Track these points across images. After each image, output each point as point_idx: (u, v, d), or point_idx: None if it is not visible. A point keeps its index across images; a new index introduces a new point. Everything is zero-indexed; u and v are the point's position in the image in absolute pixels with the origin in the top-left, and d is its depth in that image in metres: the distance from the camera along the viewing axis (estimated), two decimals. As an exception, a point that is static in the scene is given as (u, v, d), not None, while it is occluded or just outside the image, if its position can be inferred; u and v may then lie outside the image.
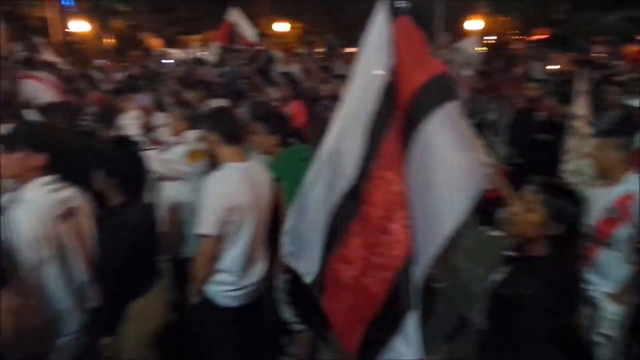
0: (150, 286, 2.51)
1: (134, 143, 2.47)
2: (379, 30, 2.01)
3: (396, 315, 1.95)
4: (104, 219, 2.41)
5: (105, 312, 2.37)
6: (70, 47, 15.21)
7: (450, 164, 1.86)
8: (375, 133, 2.01)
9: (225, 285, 2.57)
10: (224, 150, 2.49)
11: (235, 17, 8.28)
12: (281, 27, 16.77)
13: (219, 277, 2.55)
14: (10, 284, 1.83)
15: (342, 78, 5.30)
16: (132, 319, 2.42)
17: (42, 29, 15.31)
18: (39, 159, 2.19)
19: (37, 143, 2.23)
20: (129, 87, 5.06)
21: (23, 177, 2.22)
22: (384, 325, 2.00)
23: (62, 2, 16.69)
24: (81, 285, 2.34)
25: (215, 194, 2.40)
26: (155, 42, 17.57)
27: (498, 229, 5.35)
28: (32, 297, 2.03)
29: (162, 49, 15.16)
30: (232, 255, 2.52)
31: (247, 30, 8.31)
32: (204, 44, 13.15)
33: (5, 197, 2.87)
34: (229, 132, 2.48)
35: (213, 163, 2.81)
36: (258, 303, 2.75)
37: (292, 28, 17.66)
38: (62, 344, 2.27)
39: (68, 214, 2.27)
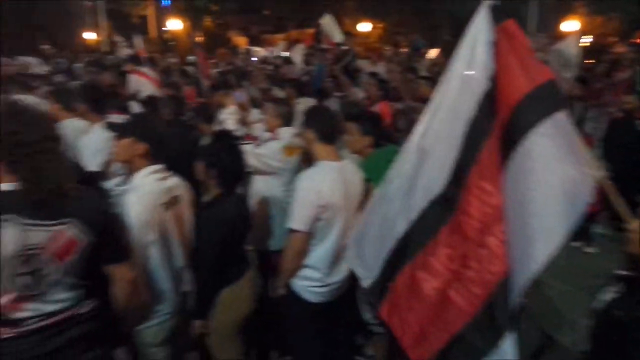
0: (240, 275, 2.62)
1: (235, 137, 2.57)
2: (478, 32, 1.91)
3: (489, 334, 1.85)
4: (202, 208, 2.54)
5: (198, 296, 2.51)
6: (166, 43, 16.21)
7: (554, 179, 1.73)
8: (473, 140, 1.90)
9: (311, 281, 2.61)
10: (319, 148, 2.52)
11: (327, 20, 8.45)
12: (364, 27, 16.74)
13: (306, 272, 2.60)
14: (129, 258, 1.99)
15: (429, 79, 5.21)
16: (222, 305, 2.53)
17: (142, 27, 16.52)
18: (143, 147, 2.35)
19: (142, 132, 2.39)
20: (223, 83, 5.30)
21: (131, 164, 2.39)
22: (473, 343, 1.91)
23: (162, 2, 17.84)
24: (178, 270, 2.49)
25: (309, 190, 2.44)
26: (241, 40, 18.27)
27: (594, 246, 5.02)
28: (141, 275, 2.18)
29: (247, 47, 15.69)
30: (320, 252, 2.55)
31: (334, 32, 8.41)
32: (288, 42, 13.45)
33: (114, 181, 3.12)
34: (326, 130, 2.51)
35: (306, 160, 2.86)
36: (340, 301, 2.76)
37: (373, 28, 17.56)
38: (158, 323, 2.43)
39: (172, 202, 2.41)
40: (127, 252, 2.00)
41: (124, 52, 8.60)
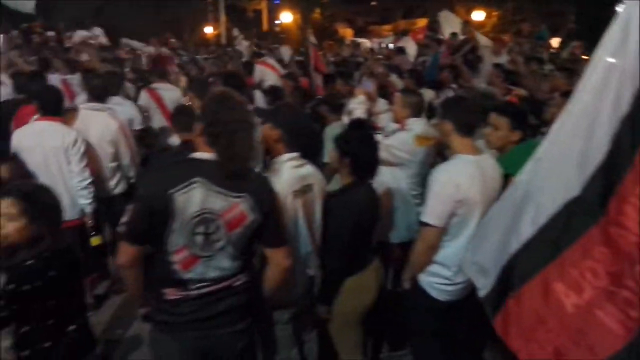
0: (366, 265, 2.61)
1: (369, 127, 2.55)
2: (630, 18, 1.64)
3: None
4: (334, 196, 2.56)
5: (324, 282, 2.54)
6: (278, 36, 16.83)
7: None
8: (628, 141, 1.64)
9: (440, 278, 2.52)
10: (457, 141, 2.41)
11: (444, 13, 8.22)
12: (478, 15, 15.91)
13: (435, 268, 2.51)
14: (287, 244, 2.09)
15: (567, 71, 4.79)
16: (347, 292, 2.54)
17: (256, 20, 17.33)
18: (277, 133, 2.42)
19: (279, 119, 2.47)
20: (339, 74, 5.34)
21: (270, 149, 2.48)
22: None
23: (274, -2, 18.55)
24: (305, 255, 2.53)
25: (445, 184, 2.34)
26: (347, 32, 18.34)
27: None
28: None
29: (353, 38, 15.71)
30: (452, 249, 2.44)
31: (451, 22, 8.12)
32: (396, 33, 13.25)
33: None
34: (465, 122, 2.39)
35: (439, 152, 2.76)
36: (466, 301, 2.64)
37: (488, 17, 16.64)
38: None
39: (303, 191, 2.46)
40: (285, 238, 2.09)
41: (242, 45, 9.06)
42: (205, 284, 1.90)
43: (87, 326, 2.11)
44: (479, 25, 15.13)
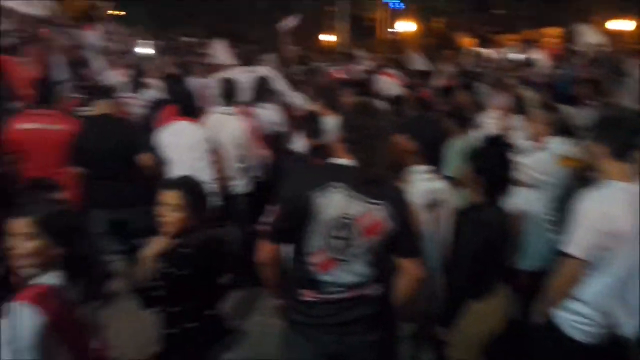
0: (493, 289, 2.47)
1: (507, 145, 2.42)
2: None
3: None
4: (464, 213, 2.46)
5: (448, 303, 2.45)
6: (395, 45, 16.75)
7: None
8: None
9: (579, 317, 2.27)
10: (611, 165, 2.17)
11: (579, 26, 7.63)
12: (619, 24, 14.36)
13: (575, 305, 2.28)
14: (421, 255, 2.08)
15: None
16: (471, 317, 2.42)
17: (371, 29, 17.47)
18: (412, 145, 2.39)
19: (414, 131, 2.44)
20: (462, 86, 5.15)
21: (402, 160, 2.46)
22: None
23: (391, 5, 18.51)
24: (431, 272, 2.46)
25: (593, 213, 2.12)
26: (468, 41, 17.63)
27: None
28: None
29: (475, 48, 15.06)
30: (598, 286, 2.20)
31: (589, 34, 7.46)
32: (523, 43, 12.44)
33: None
34: (623, 145, 2.15)
35: (582, 176, 2.53)
36: (614, 348, 2.35)
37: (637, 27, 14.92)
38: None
39: (434, 205, 2.39)
40: (420, 249, 2.06)
41: (366, 63, 9.07)
42: (341, 288, 1.94)
43: (221, 313, 2.26)
44: (618, 35, 13.68)
